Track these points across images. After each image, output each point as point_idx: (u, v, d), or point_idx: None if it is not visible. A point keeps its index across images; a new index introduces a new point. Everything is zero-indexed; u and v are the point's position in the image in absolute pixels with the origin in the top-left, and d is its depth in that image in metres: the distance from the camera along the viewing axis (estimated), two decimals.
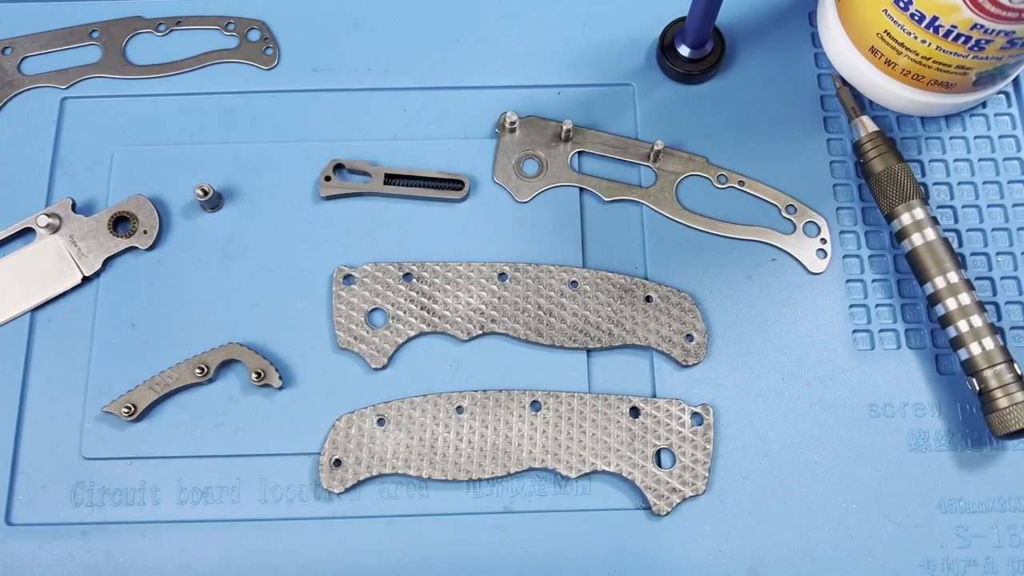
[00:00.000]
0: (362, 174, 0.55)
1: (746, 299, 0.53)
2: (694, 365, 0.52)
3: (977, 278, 0.54)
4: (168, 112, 0.57)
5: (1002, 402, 0.48)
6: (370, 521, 0.49)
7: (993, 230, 0.55)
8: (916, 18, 0.50)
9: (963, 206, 0.56)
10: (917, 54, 0.52)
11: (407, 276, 0.52)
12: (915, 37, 0.51)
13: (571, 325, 0.52)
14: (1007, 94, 0.58)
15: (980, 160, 0.57)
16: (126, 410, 0.50)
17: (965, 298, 0.50)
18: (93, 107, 0.57)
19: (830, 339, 0.53)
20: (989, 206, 0.56)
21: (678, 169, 0.55)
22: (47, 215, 0.53)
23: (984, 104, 0.58)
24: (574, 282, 0.52)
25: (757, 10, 0.60)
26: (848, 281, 0.54)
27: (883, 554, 0.49)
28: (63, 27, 0.58)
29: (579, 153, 0.56)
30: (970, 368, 0.50)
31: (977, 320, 0.50)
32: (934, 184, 0.56)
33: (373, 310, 0.52)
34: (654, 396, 0.51)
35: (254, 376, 0.50)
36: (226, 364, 0.52)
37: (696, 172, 0.55)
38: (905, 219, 0.52)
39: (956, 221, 0.55)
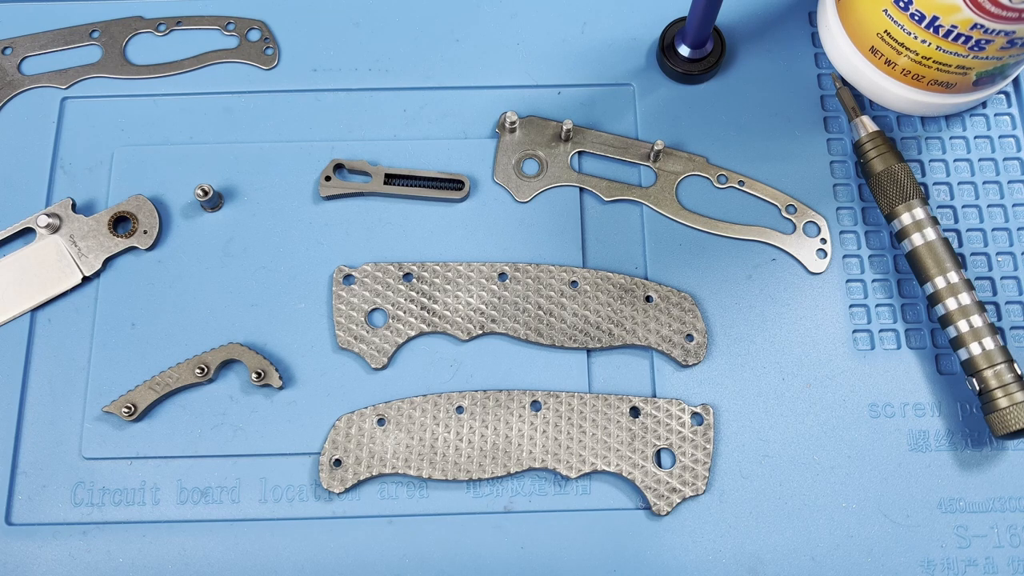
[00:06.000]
0: (362, 174, 0.55)
1: (746, 299, 0.53)
2: (694, 365, 0.52)
3: (977, 278, 0.54)
4: (168, 112, 0.57)
5: (1002, 402, 0.48)
6: (370, 521, 0.49)
7: (993, 230, 0.55)
8: (916, 18, 0.50)
9: (963, 206, 0.56)
10: (917, 54, 0.52)
11: (407, 276, 0.52)
12: (915, 37, 0.51)
13: (571, 325, 0.52)
14: (1007, 94, 0.58)
15: (980, 160, 0.57)
16: (126, 410, 0.50)
17: (965, 298, 0.50)
18: (93, 107, 0.57)
19: (830, 339, 0.53)
20: (989, 206, 0.56)
21: (678, 169, 0.55)
22: (47, 215, 0.53)
23: (984, 104, 0.58)
24: (574, 282, 0.52)
25: (757, 10, 0.60)
26: (848, 281, 0.54)
27: (883, 554, 0.49)
28: (63, 27, 0.58)
29: (579, 153, 0.56)
30: (970, 368, 0.50)
31: (977, 320, 0.50)
32: (934, 184, 0.56)
33: (373, 310, 0.52)
34: (654, 396, 0.51)
35: (254, 376, 0.50)
36: (226, 364, 0.52)
37: (696, 172, 0.55)
38: (905, 219, 0.52)
39: (956, 221, 0.55)
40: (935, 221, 0.52)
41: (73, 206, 0.54)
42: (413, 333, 0.52)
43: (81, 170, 0.55)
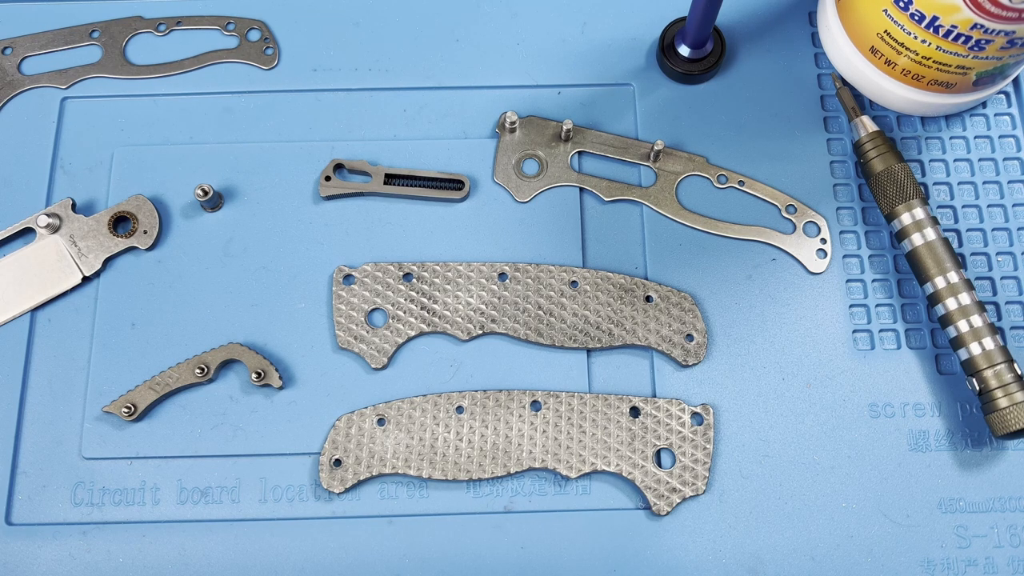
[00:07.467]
0: (362, 174, 0.55)
1: (746, 299, 0.53)
2: (694, 365, 0.52)
3: (977, 278, 0.54)
4: (168, 112, 0.57)
5: (1002, 402, 0.48)
6: (370, 521, 0.49)
7: (993, 230, 0.55)
8: (916, 18, 0.50)
9: (963, 206, 0.56)
10: (917, 54, 0.52)
11: (407, 276, 0.52)
12: (915, 37, 0.51)
13: (571, 325, 0.52)
14: (1007, 94, 0.58)
15: (980, 160, 0.57)
16: (126, 410, 0.50)
17: (965, 298, 0.50)
18: (93, 107, 0.57)
19: (830, 339, 0.53)
20: (989, 206, 0.56)
21: (678, 169, 0.55)
22: (47, 215, 0.53)
23: (984, 104, 0.58)
24: (574, 282, 0.52)
25: (757, 10, 0.60)
26: (848, 281, 0.54)
27: (883, 554, 0.49)
28: (63, 27, 0.58)
29: (579, 153, 0.56)
30: (970, 368, 0.50)
31: (977, 320, 0.50)
32: (934, 184, 0.56)
33: (373, 310, 0.52)
34: (654, 396, 0.51)
35: (254, 376, 0.50)
36: (226, 364, 0.52)
37: (696, 172, 0.55)
38: (905, 219, 0.52)
39: (956, 221, 0.55)
40: (935, 221, 0.52)
41: (73, 206, 0.54)
42: (413, 333, 0.52)
43: (81, 170, 0.55)
